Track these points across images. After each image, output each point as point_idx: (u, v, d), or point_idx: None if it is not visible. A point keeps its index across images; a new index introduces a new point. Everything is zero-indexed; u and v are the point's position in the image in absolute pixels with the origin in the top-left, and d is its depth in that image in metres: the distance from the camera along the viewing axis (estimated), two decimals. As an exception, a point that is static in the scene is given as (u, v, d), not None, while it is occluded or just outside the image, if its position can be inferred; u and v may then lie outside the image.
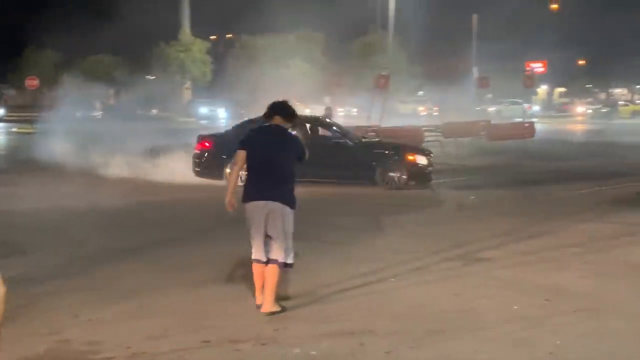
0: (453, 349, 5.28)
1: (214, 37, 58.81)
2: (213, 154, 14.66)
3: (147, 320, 6.01)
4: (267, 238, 6.15)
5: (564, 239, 9.23)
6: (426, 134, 21.23)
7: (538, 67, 59.36)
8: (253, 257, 6.27)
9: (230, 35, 64.98)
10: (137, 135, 21.96)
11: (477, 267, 7.73)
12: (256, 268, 6.27)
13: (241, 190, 6.23)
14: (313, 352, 5.22)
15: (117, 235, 9.73)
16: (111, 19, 50.24)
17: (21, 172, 17.41)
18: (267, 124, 6.33)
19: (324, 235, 9.35)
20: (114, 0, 47.62)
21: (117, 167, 16.89)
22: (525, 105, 56.43)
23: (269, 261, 6.16)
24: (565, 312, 6.11)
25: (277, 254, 6.14)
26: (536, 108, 57.30)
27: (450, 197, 13.30)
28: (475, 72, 52.87)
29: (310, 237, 8.63)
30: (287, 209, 6.13)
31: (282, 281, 6.39)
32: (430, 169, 14.75)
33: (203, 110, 44.73)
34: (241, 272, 7.52)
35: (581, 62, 78.14)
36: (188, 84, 45.68)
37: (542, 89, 73.24)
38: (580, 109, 62.79)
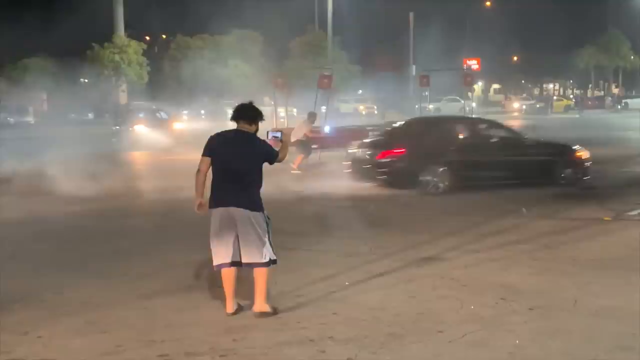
0: (414, 353, 5.28)
1: (147, 37, 58.02)
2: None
3: (99, 335, 5.84)
4: (244, 244, 6.06)
5: (512, 237, 9.36)
6: (370, 134, 21.18)
7: (473, 64, 60.42)
8: (216, 263, 6.20)
9: (164, 35, 64.27)
10: (68, 142, 21.70)
11: (430, 268, 7.77)
12: (224, 273, 6.20)
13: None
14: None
15: (58, 247, 9.44)
16: (42, 21, 49.14)
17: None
18: (232, 129, 6.25)
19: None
20: (44, 2, 46.59)
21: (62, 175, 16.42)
22: (463, 102, 57.24)
23: (251, 265, 6.10)
24: (520, 311, 6.18)
25: (259, 256, 6.07)
26: (472, 105, 58.08)
27: (396, 196, 13.36)
28: (413, 70, 53.45)
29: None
30: (254, 213, 6.05)
31: (239, 289, 6.30)
32: (589, 163, 14.68)
33: (141, 113, 43.93)
34: (191, 282, 7.43)
35: (515, 58, 79.88)
36: (124, 86, 44.78)
37: (478, 85, 74.56)
38: (515, 104, 64.12)
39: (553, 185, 14.03)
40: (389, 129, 16.15)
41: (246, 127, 6.21)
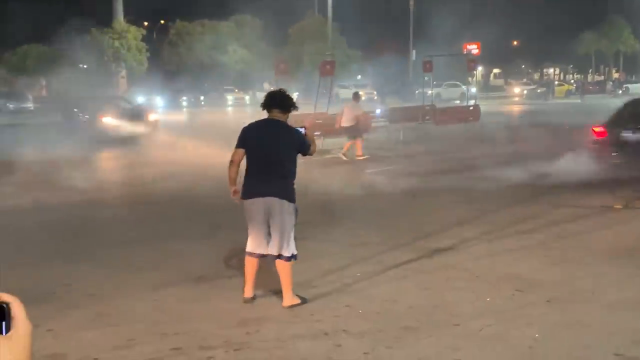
0: (431, 347, 5.19)
1: (146, 23, 57.74)
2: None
3: (110, 327, 5.76)
4: (274, 235, 6.04)
5: (523, 226, 9.24)
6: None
7: (473, 48, 60.21)
8: (247, 249, 6.21)
9: (163, 21, 63.94)
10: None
11: (441, 259, 7.67)
12: (248, 261, 6.23)
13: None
14: (291, 357, 5.07)
15: (64, 237, 9.34)
16: (41, 6, 48.83)
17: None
18: (264, 118, 6.18)
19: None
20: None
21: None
22: (464, 87, 57.07)
23: (275, 256, 6.10)
24: (537, 303, 6.08)
25: (282, 249, 6.05)
26: (473, 90, 57.96)
27: (402, 186, 13.25)
28: (413, 55, 53.25)
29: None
30: (287, 204, 6.00)
31: (240, 283, 6.25)
32: None
33: (140, 98, 43.81)
34: (199, 272, 7.33)
35: (514, 42, 79.59)
36: (123, 72, 44.61)
37: (478, 70, 74.27)
38: (516, 89, 63.94)
39: None
40: None
41: (278, 116, 6.12)
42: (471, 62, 24.77)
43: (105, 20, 44.54)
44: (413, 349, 5.18)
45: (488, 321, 5.63)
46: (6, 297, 1.13)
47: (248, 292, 6.32)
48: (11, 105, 43.66)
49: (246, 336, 5.47)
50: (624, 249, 7.99)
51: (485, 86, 74.52)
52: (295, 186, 6.17)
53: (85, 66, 48.65)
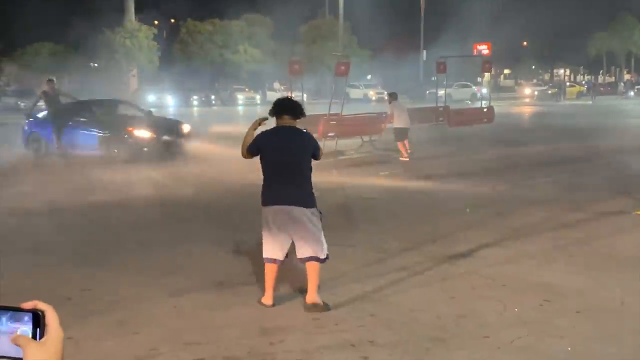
0: (462, 360, 5.07)
1: (156, 22, 57.76)
2: None
3: (131, 336, 5.65)
4: (301, 241, 6.04)
5: (541, 231, 9.11)
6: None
7: (483, 49, 60.03)
8: (266, 255, 6.17)
9: (174, 20, 63.97)
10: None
11: (464, 265, 7.53)
12: (269, 267, 6.19)
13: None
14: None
15: (80, 240, 9.24)
16: (53, 5, 48.83)
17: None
18: (275, 126, 6.18)
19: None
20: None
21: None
22: (475, 88, 56.92)
23: (309, 259, 6.09)
24: (566, 313, 5.94)
25: (315, 251, 6.06)
26: (484, 90, 57.76)
27: (418, 188, 13.13)
28: (424, 56, 53.05)
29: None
30: (308, 211, 6.01)
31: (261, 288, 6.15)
32: None
33: (151, 97, 43.84)
34: (219, 278, 7.21)
35: (524, 43, 79.28)
36: (134, 71, 44.62)
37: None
38: (527, 90, 63.68)
39: None
40: None
41: (290, 122, 6.13)
42: (486, 64, 24.56)
43: (117, 19, 44.56)
44: (443, 361, 5.05)
45: (519, 333, 5.49)
46: (42, 305, 1.23)
47: (269, 299, 6.27)
48: (22, 104, 43.64)
49: (270, 346, 5.35)
50: (649, 256, 7.82)
51: (496, 87, 74.23)
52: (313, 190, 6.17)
53: (96, 65, 48.75)
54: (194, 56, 49.35)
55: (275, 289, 6.32)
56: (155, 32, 45.20)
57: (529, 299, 6.34)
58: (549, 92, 59.35)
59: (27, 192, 12.88)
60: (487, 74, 32.67)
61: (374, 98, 54.43)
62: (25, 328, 1.22)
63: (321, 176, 14.60)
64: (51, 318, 1.25)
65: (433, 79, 60.88)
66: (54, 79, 19.44)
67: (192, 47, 50.46)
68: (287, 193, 5.99)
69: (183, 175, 14.73)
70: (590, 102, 51.47)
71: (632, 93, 58.30)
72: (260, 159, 6.12)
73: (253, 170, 7.72)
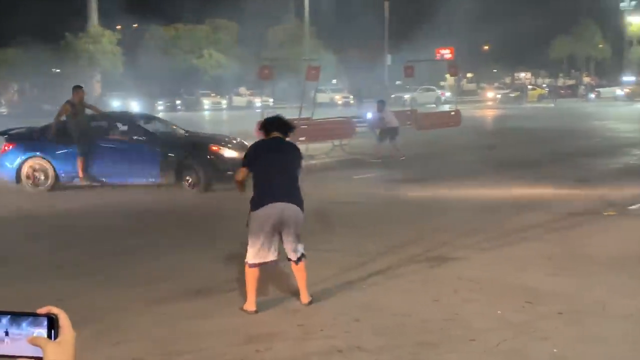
0: (451, 364, 5.07)
1: (119, 27, 57.20)
2: None
3: (114, 347, 5.54)
4: (291, 240, 6.22)
5: (519, 233, 9.18)
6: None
7: (446, 53, 60.52)
8: (253, 261, 6.18)
9: (136, 25, 63.43)
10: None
11: (446, 269, 7.56)
12: (251, 272, 6.23)
13: None
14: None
15: (52, 247, 9.07)
16: (12, 11, 48.12)
17: None
18: (271, 137, 6.41)
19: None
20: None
21: None
22: (439, 92, 57.37)
23: (298, 260, 6.31)
24: (549, 315, 5.98)
25: (302, 249, 6.35)
26: (448, 94, 58.17)
27: (395, 191, 13.15)
28: (388, 60, 53.25)
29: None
30: (301, 213, 6.22)
31: (243, 296, 6.08)
32: None
33: (115, 103, 43.37)
34: (200, 286, 7.12)
35: (486, 47, 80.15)
36: (98, 76, 44.14)
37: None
38: (490, 94, 64.31)
39: None
40: None
41: (280, 137, 6.44)
42: (452, 68, 24.77)
43: (79, 24, 44.06)
44: (431, 365, 5.05)
45: (504, 335, 5.51)
46: (55, 310, 1.37)
47: (252, 306, 6.25)
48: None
49: (257, 354, 5.30)
50: (626, 257, 7.91)
51: (459, 90, 74.85)
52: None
53: (58, 70, 48.11)
54: (157, 61, 48.93)
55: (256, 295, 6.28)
56: (119, 37, 44.75)
57: (510, 301, 6.37)
58: (512, 95, 60.00)
59: None
60: (451, 78, 32.99)
61: (340, 102, 54.53)
62: (40, 330, 1.34)
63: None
64: (64, 320, 1.37)
65: (398, 82, 61.40)
66: (83, 87, 13.98)
67: (155, 52, 50.06)
68: (285, 192, 6.15)
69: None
70: (552, 105, 52.10)
71: (592, 96, 59.15)
72: (253, 170, 6.27)
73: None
